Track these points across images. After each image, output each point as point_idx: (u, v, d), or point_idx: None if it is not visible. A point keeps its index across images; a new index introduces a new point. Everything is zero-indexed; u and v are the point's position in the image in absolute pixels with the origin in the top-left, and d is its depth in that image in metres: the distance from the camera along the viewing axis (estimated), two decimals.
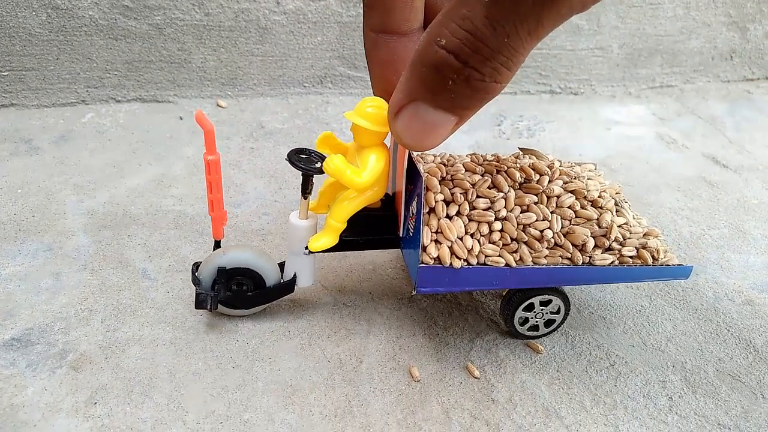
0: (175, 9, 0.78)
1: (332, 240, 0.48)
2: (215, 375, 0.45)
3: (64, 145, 0.73)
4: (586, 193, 0.47)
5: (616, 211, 0.48)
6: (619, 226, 0.47)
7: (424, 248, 0.44)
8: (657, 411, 0.45)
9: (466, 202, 0.45)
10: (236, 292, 0.49)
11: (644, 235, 0.48)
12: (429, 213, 0.45)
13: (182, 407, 0.43)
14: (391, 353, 0.49)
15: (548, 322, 0.50)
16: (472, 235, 0.45)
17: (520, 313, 0.49)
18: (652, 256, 0.47)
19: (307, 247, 0.48)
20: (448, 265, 0.44)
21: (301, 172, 0.46)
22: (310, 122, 0.83)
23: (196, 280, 0.49)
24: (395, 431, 0.42)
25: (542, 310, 0.49)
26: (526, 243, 0.45)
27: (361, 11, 0.51)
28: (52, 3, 0.75)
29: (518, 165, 0.48)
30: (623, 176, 0.76)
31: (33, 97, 0.79)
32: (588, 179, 0.51)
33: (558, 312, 0.50)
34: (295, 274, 0.50)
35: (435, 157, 0.51)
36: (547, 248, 0.45)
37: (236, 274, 0.49)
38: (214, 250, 0.50)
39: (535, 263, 0.45)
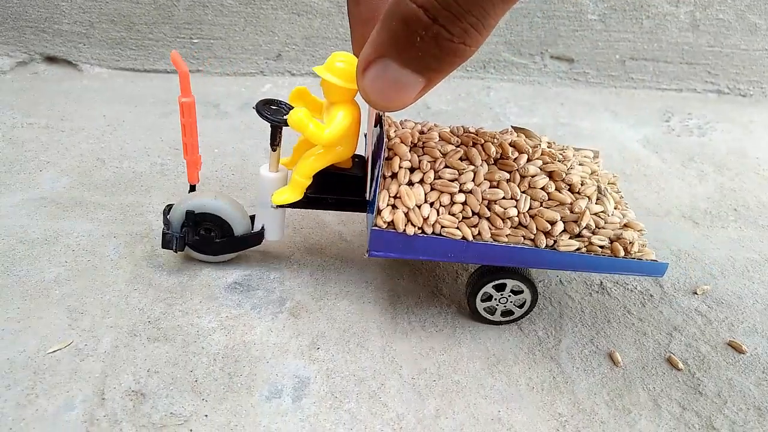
0: None
1: (296, 195, 0.48)
2: (420, 336, 0.47)
3: (249, 111, 0.78)
4: (564, 176, 0.46)
5: (597, 199, 0.46)
6: (594, 214, 0.45)
7: (379, 212, 0.43)
8: None
9: (432, 171, 0.44)
10: (204, 238, 0.50)
11: (624, 226, 0.46)
12: (391, 178, 0.44)
13: (396, 362, 0.45)
14: (588, 336, 0.49)
15: (507, 312, 0.49)
16: (431, 205, 0.44)
17: (488, 288, 0.47)
18: (625, 249, 0.44)
19: None
20: (401, 231, 0.43)
21: (269, 124, 0.46)
22: (474, 106, 0.84)
23: (166, 221, 0.50)
24: (604, 411, 0.43)
25: (509, 296, 0.47)
26: (488, 219, 0.44)
27: None
28: None
29: (497, 141, 0.46)
30: None
31: (218, 65, 0.84)
32: (579, 164, 0.49)
33: (521, 306, 0.48)
34: (263, 227, 0.51)
35: (416, 124, 0.50)
36: (510, 227, 0.44)
37: (205, 219, 0.49)
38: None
39: (495, 240, 0.44)
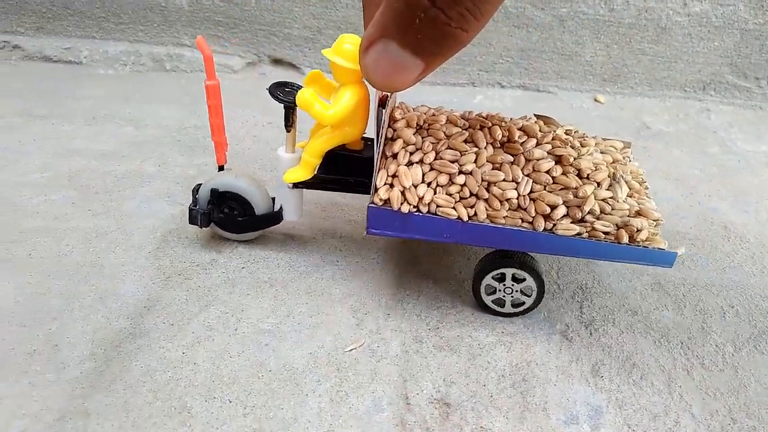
0: (582, 3, 0.80)
1: (305, 174, 0.49)
2: (702, 374, 0.46)
3: None
4: (572, 160, 0.45)
5: (609, 186, 0.45)
6: (602, 200, 0.44)
7: (376, 189, 0.44)
8: None
9: (434, 152, 0.45)
10: (227, 216, 0.52)
11: (636, 213, 0.44)
12: (392, 157, 0.45)
13: (684, 399, 0.44)
14: None
15: (517, 303, 0.48)
16: (429, 184, 0.44)
17: (489, 281, 0.47)
18: (630, 236, 0.43)
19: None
20: (396, 209, 0.44)
21: (283, 105, 0.47)
22: (695, 128, 0.80)
23: (194, 199, 0.52)
24: None
25: (513, 286, 0.47)
26: (486, 200, 0.44)
27: None
28: None
29: (506, 125, 0.46)
30: None
31: (431, 75, 0.86)
32: (600, 152, 0.48)
33: (529, 295, 0.47)
34: (281, 207, 0.52)
35: (429, 108, 0.50)
36: (508, 209, 0.43)
37: (228, 198, 0.51)
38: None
39: (492, 222, 0.43)
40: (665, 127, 0.80)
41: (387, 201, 0.44)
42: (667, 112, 0.83)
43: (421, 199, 0.44)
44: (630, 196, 0.46)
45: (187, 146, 0.71)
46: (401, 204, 0.44)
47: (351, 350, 0.46)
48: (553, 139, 0.47)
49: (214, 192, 0.52)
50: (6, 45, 0.88)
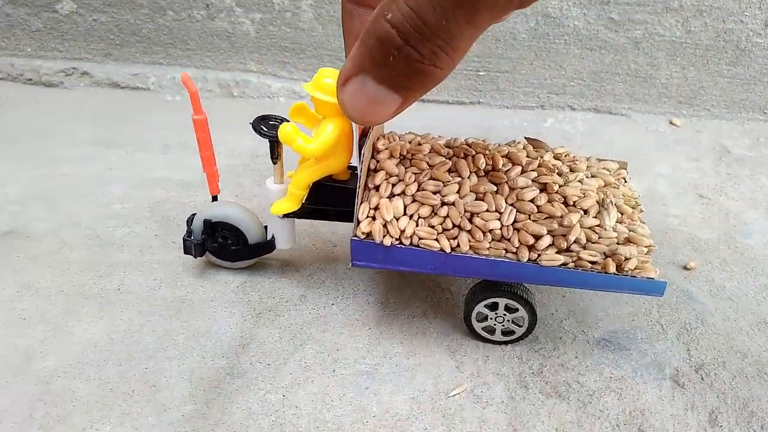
0: (657, 24, 0.78)
1: (292, 205, 0.50)
2: None
3: None
4: (557, 188, 0.44)
5: (597, 213, 0.44)
6: (589, 228, 0.43)
7: (358, 222, 0.44)
8: None
9: (416, 183, 0.45)
10: (221, 245, 0.54)
11: (625, 240, 0.43)
12: (375, 189, 0.45)
13: None
14: None
15: (507, 332, 0.48)
16: (411, 217, 0.44)
17: (480, 309, 0.47)
18: (618, 265, 0.42)
19: None
20: (379, 242, 0.43)
21: (268, 140, 0.48)
22: None
23: (189, 230, 0.53)
24: None
25: (504, 315, 0.46)
26: (468, 231, 0.43)
27: None
28: (544, 11, 0.79)
29: (490, 152, 0.46)
30: None
31: (498, 98, 0.85)
32: (591, 176, 0.48)
33: (521, 325, 0.47)
34: (273, 236, 0.53)
35: (416, 136, 0.50)
36: (492, 240, 0.43)
37: (222, 227, 0.53)
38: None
39: (475, 253, 0.43)
40: (747, 151, 0.77)
41: (369, 234, 0.44)
42: (747, 136, 0.80)
43: (402, 231, 0.44)
44: (620, 222, 0.45)
45: (261, 174, 0.70)
46: (383, 237, 0.44)
47: (454, 395, 0.44)
48: (539, 166, 0.46)
49: (207, 223, 0.53)
50: (74, 71, 0.90)
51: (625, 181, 0.50)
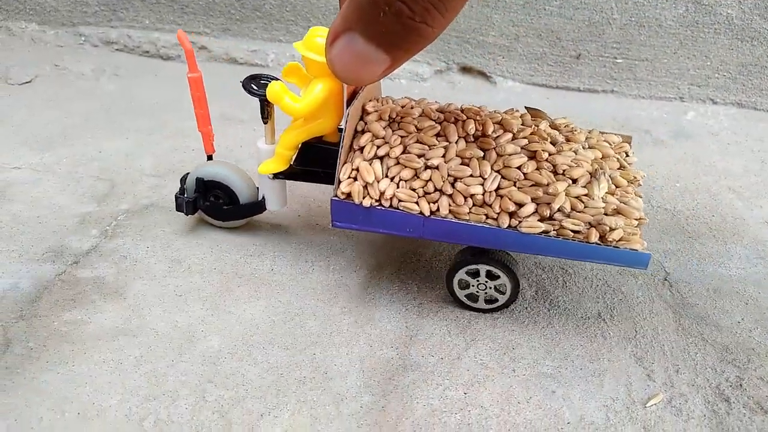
0: None
1: (279, 166, 0.49)
2: None
3: (685, 141, 0.72)
4: (546, 156, 0.43)
5: (588, 183, 0.43)
6: (576, 197, 0.42)
7: (339, 183, 0.44)
8: None
9: (401, 146, 0.44)
10: (213, 204, 0.54)
11: (614, 211, 0.42)
12: (359, 151, 0.45)
13: None
14: None
15: (491, 300, 0.47)
16: (392, 179, 0.44)
17: (462, 276, 0.46)
18: (602, 235, 0.41)
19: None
20: (358, 202, 0.43)
21: (258, 99, 0.48)
22: None
23: (182, 188, 0.54)
24: None
25: (486, 282, 0.46)
26: (450, 196, 0.43)
27: None
28: None
29: (482, 119, 0.45)
30: None
31: (634, 87, 0.80)
32: (588, 147, 0.46)
33: (504, 292, 0.46)
34: (263, 197, 0.52)
35: (410, 100, 0.49)
36: (473, 205, 0.43)
37: (214, 186, 0.53)
38: None
39: (455, 217, 0.43)
40: None
41: (349, 195, 0.44)
42: None
43: (382, 193, 0.44)
44: (611, 194, 0.44)
45: None
46: (363, 198, 0.44)
47: (652, 405, 0.41)
48: (531, 133, 0.45)
49: (200, 181, 0.53)
50: (192, 45, 0.89)
51: (627, 155, 0.49)
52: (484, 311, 0.48)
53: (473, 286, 0.47)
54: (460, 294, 0.48)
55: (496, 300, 0.47)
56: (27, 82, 0.81)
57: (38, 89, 0.80)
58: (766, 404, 0.41)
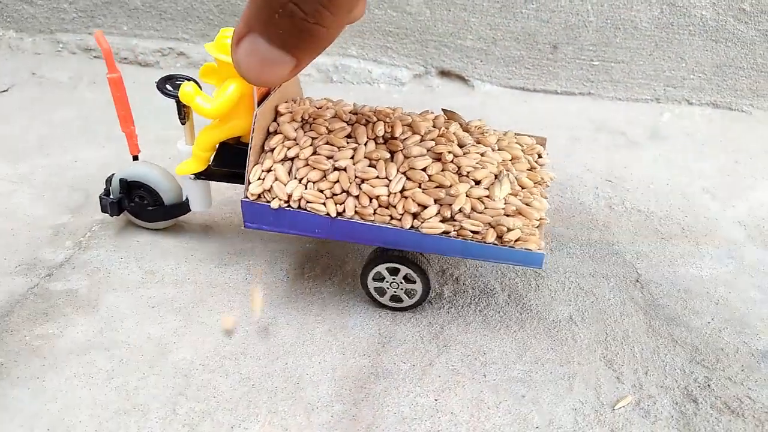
0: None
1: (196, 167, 0.49)
2: None
3: (660, 143, 0.73)
4: (451, 158, 0.44)
5: (491, 184, 0.44)
6: (477, 199, 0.43)
7: (249, 184, 0.45)
8: None
9: (311, 147, 0.45)
10: (138, 204, 0.54)
11: (515, 212, 0.43)
12: (270, 152, 0.45)
13: None
14: None
15: (396, 298, 0.48)
16: (300, 180, 0.44)
17: (380, 269, 0.47)
18: (499, 236, 0.42)
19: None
20: (266, 203, 0.44)
21: (174, 100, 0.48)
22: None
23: (107, 189, 0.54)
24: None
25: (400, 282, 0.47)
26: (357, 197, 0.44)
27: None
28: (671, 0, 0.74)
29: (391, 120, 0.46)
30: None
31: (610, 89, 0.80)
32: (498, 149, 0.47)
33: (411, 296, 0.48)
34: (187, 198, 0.53)
35: (327, 101, 0.50)
36: (378, 206, 0.43)
37: (137, 187, 0.53)
38: None
39: (361, 219, 0.43)
40: None
41: (259, 196, 0.45)
42: None
43: (290, 195, 0.44)
44: (514, 195, 0.44)
45: None
46: (271, 200, 0.44)
47: (620, 408, 0.41)
48: (439, 135, 0.46)
49: (123, 182, 0.53)
50: (170, 51, 0.89)
51: (539, 157, 0.49)
52: (387, 308, 0.49)
53: (387, 281, 0.48)
54: (371, 285, 0.48)
55: (401, 300, 0.48)
56: (4, 91, 0.81)
57: (15, 98, 0.80)
58: (733, 404, 0.42)
